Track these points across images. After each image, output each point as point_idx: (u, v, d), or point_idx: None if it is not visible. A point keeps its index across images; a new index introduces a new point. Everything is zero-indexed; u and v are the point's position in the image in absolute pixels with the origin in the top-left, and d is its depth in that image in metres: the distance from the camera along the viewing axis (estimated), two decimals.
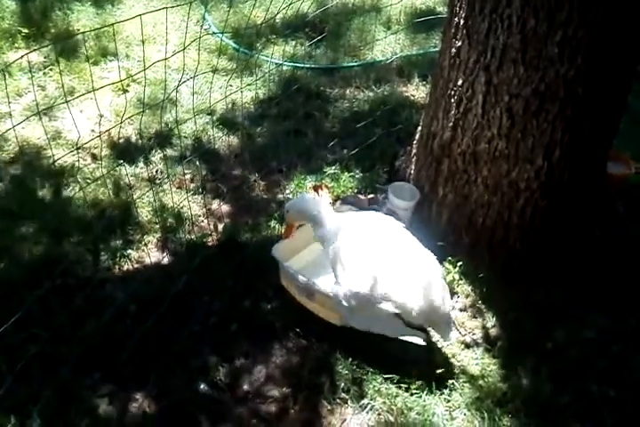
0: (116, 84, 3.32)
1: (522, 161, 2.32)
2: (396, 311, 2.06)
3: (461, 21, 2.23)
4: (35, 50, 3.40)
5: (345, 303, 2.10)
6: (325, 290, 2.18)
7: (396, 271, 2.10)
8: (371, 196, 2.84)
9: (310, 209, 2.26)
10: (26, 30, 3.70)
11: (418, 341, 2.15)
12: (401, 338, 2.15)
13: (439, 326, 2.14)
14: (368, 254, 2.14)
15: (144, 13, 2.01)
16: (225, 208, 2.79)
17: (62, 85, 3.20)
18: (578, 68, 2.09)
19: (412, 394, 2.09)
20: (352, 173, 2.94)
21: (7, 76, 3.33)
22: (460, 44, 2.26)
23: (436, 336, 2.26)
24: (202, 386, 2.10)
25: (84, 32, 3.06)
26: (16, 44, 3.66)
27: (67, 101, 1.97)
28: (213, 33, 3.82)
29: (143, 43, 3.30)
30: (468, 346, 2.28)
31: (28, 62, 3.36)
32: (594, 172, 2.52)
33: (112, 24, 1.92)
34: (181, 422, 2.02)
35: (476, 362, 2.21)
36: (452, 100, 2.38)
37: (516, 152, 2.30)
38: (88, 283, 2.26)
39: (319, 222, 2.24)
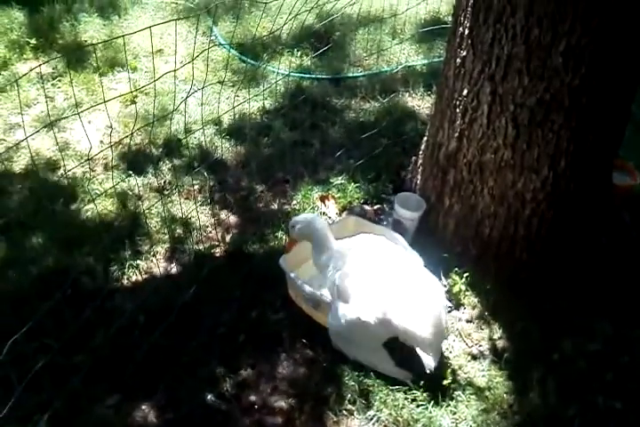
0: (124, 96, 3.35)
1: (527, 171, 2.32)
2: (394, 335, 2.07)
3: (466, 31, 2.25)
4: (46, 62, 3.43)
5: (340, 333, 2.12)
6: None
7: (395, 297, 2.11)
8: (377, 206, 2.85)
9: (316, 232, 2.26)
10: (34, 41, 3.75)
11: (406, 380, 2.15)
12: (388, 374, 2.16)
13: (429, 352, 2.12)
14: (366, 283, 2.14)
15: (154, 25, 2.03)
16: (232, 219, 2.81)
17: (73, 95, 3.23)
18: (582, 78, 2.10)
19: (418, 406, 2.09)
20: (358, 184, 2.95)
21: (16, 88, 3.37)
22: (464, 53, 2.28)
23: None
24: (209, 397, 2.10)
25: (93, 44, 3.09)
26: (24, 55, 3.70)
27: (78, 113, 1.99)
28: (220, 44, 3.85)
29: (153, 54, 3.32)
30: (474, 357, 2.27)
31: (39, 74, 3.39)
32: (599, 181, 2.53)
33: (122, 35, 1.93)
34: None
35: (483, 374, 2.21)
36: (458, 111, 2.39)
37: (522, 162, 2.31)
38: (98, 293, 2.27)
39: (321, 247, 2.25)
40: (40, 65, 2.99)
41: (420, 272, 2.22)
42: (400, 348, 2.10)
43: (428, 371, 2.10)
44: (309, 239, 2.30)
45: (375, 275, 2.16)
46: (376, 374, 2.16)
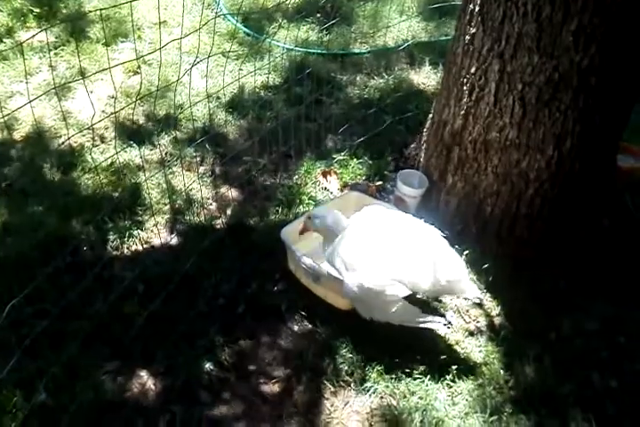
0: (126, 66, 3.32)
1: (533, 150, 2.32)
2: (408, 293, 2.06)
3: (476, 8, 2.22)
4: (46, 28, 3.39)
5: (358, 300, 2.12)
6: (332, 274, 2.19)
7: (399, 253, 2.10)
8: (379, 183, 2.84)
9: (334, 228, 2.23)
10: (37, 10, 3.71)
11: (438, 326, 2.16)
12: (421, 326, 2.15)
13: (458, 289, 2.17)
14: (370, 247, 2.14)
15: None
16: (233, 191, 2.80)
17: (80, 62, 3.20)
18: (592, 58, 2.08)
19: (414, 379, 2.11)
20: (361, 160, 2.94)
21: (18, 56, 3.34)
22: (474, 30, 2.26)
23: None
24: (207, 365, 2.12)
25: (99, 9, 3.06)
26: (27, 24, 3.67)
27: (83, 77, 1.96)
28: (225, 16, 3.81)
29: (160, 24, 3.29)
30: (472, 334, 2.28)
31: (42, 42, 3.36)
32: (604, 163, 2.52)
33: (128, 1, 1.91)
34: (185, 401, 2.03)
35: (480, 350, 2.22)
36: (465, 88, 2.37)
37: (527, 141, 2.30)
38: (97, 262, 2.27)
39: (331, 242, 2.23)
40: (43, 30, 2.97)
41: (414, 222, 2.22)
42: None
43: (477, 300, 2.27)
44: (324, 234, 2.28)
45: (375, 238, 2.16)
46: (373, 348, 2.17)
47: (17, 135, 2.98)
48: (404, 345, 2.17)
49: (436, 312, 2.28)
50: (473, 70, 2.31)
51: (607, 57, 2.11)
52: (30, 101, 1.81)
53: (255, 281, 2.40)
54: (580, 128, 2.26)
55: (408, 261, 2.09)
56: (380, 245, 2.14)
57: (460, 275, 2.14)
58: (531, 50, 2.12)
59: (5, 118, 2.91)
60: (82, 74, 3.01)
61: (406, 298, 2.09)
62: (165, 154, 2.95)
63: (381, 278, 2.07)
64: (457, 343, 2.23)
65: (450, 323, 2.23)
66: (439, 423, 2.00)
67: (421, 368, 2.12)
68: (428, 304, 2.33)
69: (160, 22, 3.44)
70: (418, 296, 2.25)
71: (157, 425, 1.97)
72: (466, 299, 2.34)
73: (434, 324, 2.15)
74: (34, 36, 3.23)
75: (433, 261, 2.10)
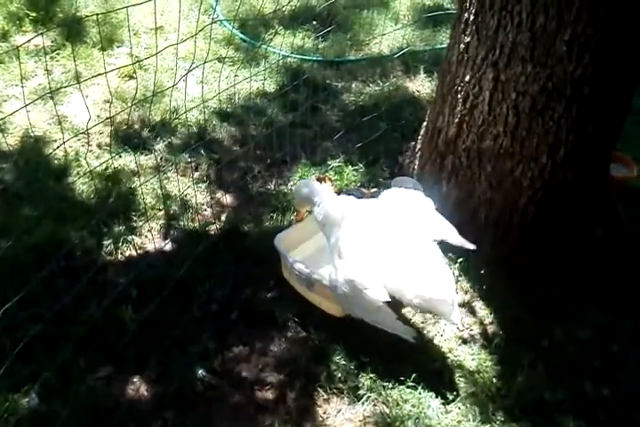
0: (122, 71, 3.32)
1: (526, 159, 2.33)
2: (387, 300, 2.05)
3: (471, 17, 2.24)
4: (42, 33, 3.40)
5: (339, 291, 2.11)
6: (325, 281, 2.19)
7: (392, 259, 2.09)
8: (374, 190, 2.85)
9: (313, 194, 2.29)
10: (34, 14, 3.71)
11: (407, 337, 2.12)
12: (391, 331, 2.13)
13: (441, 311, 2.09)
14: (366, 242, 2.14)
15: None
16: (228, 198, 2.80)
17: (75, 67, 3.20)
18: (585, 67, 2.10)
19: (407, 387, 2.11)
20: (356, 167, 2.95)
21: (14, 59, 3.34)
22: (468, 39, 2.27)
23: (432, 332, 2.28)
24: (200, 371, 2.11)
25: (95, 14, 3.06)
26: (24, 28, 3.67)
27: (78, 82, 1.96)
28: (221, 22, 3.82)
29: (156, 30, 3.29)
30: (465, 341, 2.29)
31: (38, 46, 3.36)
32: (597, 172, 2.54)
33: (125, 7, 1.91)
34: (178, 407, 2.03)
35: (473, 357, 2.22)
36: (459, 96, 2.39)
37: (521, 150, 2.32)
38: (91, 266, 2.27)
39: (321, 208, 2.26)
40: (39, 34, 2.97)
41: (423, 243, 2.19)
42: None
43: (458, 327, 2.19)
44: (310, 203, 2.33)
45: (374, 234, 2.15)
46: (367, 355, 2.17)
47: (12, 139, 2.97)
48: (397, 353, 2.17)
49: (409, 324, 2.24)
50: (467, 79, 2.33)
51: (600, 67, 2.13)
52: (25, 106, 1.82)
53: (249, 287, 2.40)
54: (573, 137, 2.28)
55: (399, 270, 2.08)
56: (378, 246, 2.13)
57: (447, 296, 2.05)
58: (524, 59, 2.14)
59: (0, 122, 2.91)
60: (77, 78, 3.01)
61: (388, 303, 2.07)
62: (160, 159, 2.95)
63: (367, 278, 2.06)
64: (450, 351, 2.24)
65: (415, 338, 2.13)
66: None
67: (414, 376, 2.12)
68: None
69: (156, 28, 3.45)
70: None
71: None
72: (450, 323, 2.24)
73: (404, 335, 2.12)
74: (30, 40, 3.22)
75: (424, 275, 2.07)
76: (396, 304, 2.10)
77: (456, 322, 2.11)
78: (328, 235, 2.22)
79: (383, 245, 2.13)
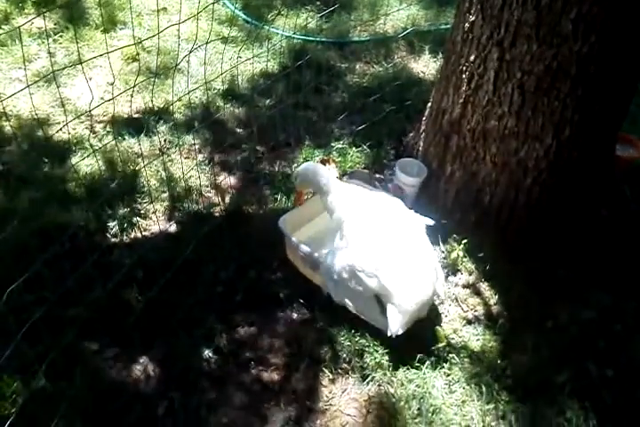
0: (125, 53, 3.31)
1: (531, 139, 2.31)
2: (379, 291, 2.08)
3: None
4: (43, 14, 3.37)
5: (335, 275, 2.12)
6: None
7: (394, 256, 2.11)
8: (378, 173, 2.84)
9: (318, 176, 2.29)
10: None
11: (386, 331, 2.10)
12: (373, 323, 2.17)
13: (397, 314, 2.07)
14: (370, 231, 2.15)
15: None
16: (232, 179, 2.80)
17: (78, 49, 3.18)
18: (591, 46, 2.08)
19: (412, 367, 2.12)
20: (360, 149, 2.94)
21: (16, 42, 3.33)
22: (473, 18, 2.25)
23: (436, 312, 2.29)
24: (206, 352, 2.13)
25: None
26: (26, 10, 3.65)
27: (81, 62, 1.95)
28: (224, 3, 3.79)
29: (158, 11, 3.27)
30: (469, 322, 2.29)
31: (41, 29, 3.34)
32: (602, 152, 2.52)
33: None
34: (184, 388, 2.04)
35: (477, 338, 2.23)
36: (464, 76, 2.37)
37: (526, 130, 2.30)
38: (96, 248, 2.28)
39: (327, 190, 2.26)
40: (40, 15, 2.94)
41: (422, 239, 2.21)
42: None
43: (390, 334, 2.06)
44: (313, 186, 2.33)
45: (381, 231, 2.16)
46: (371, 335, 2.18)
47: (15, 122, 2.97)
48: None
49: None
50: (472, 59, 2.31)
51: (606, 46, 2.10)
52: (28, 86, 1.81)
53: (253, 269, 2.40)
54: (578, 117, 2.26)
55: (399, 272, 2.09)
56: (381, 241, 2.14)
57: (404, 309, 2.06)
58: (530, 38, 2.11)
59: (4, 104, 2.90)
60: (79, 59, 3.00)
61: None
62: (164, 141, 2.95)
63: (368, 269, 2.07)
64: (454, 332, 2.24)
65: (393, 335, 2.08)
66: (436, 411, 2.02)
67: (419, 357, 2.13)
68: None
69: (159, 9, 3.42)
70: None
71: (156, 411, 1.98)
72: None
73: (383, 328, 2.11)
74: (31, 20, 3.21)
75: (418, 287, 2.10)
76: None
77: (391, 330, 2.06)
78: (335, 221, 2.22)
79: (385, 238, 2.14)
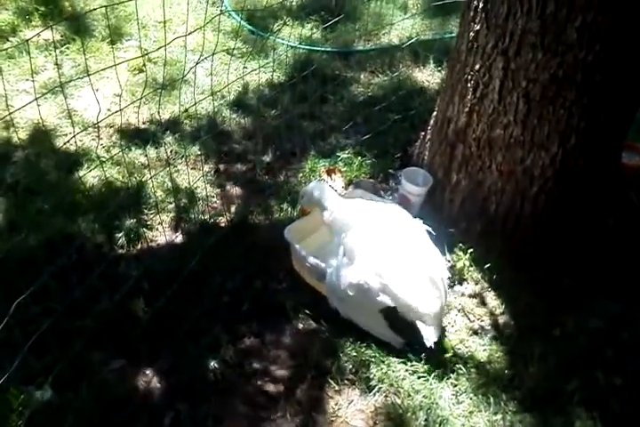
0: (132, 64, 3.33)
1: (537, 148, 2.31)
2: (392, 305, 2.07)
3: (480, 5, 2.22)
4: (51, 26, 3.40)
5: (340, 293, 2.12)
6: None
7: (400, 267, 2.11)
8: (383, 185, 2.84)
9: (320, 197, 2.28)
10: (43, 8, 3.72)
11: (395, 344, 2.17)
12: (381, 338, 2.18)
13: (428, 326, 2.11)
14: (375, 247, 2.14)
15: None
16: (238, 189, 2.80)
17: (85, 61, 3.20)
18: (596, 54, 2.08)
19: (419, 378, 2.11)
20: (365, 158, 2.94)
21: (24, 54, 3.35)
22: (478, 27, 2.25)
23: (443, 323, 2.27)
24: (212, 363, 2.12)
25: (103, 6, 3.07)
26: (33, 22, 3.68)
27: (88, 74, 1.96)
28: (229, 14, 3.81)
29: (164, 22, 3.29)
30: (476, 332, 2.28)
31: (48, 41, 3.37)
32: (608, 160, 2.52)
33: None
34: (190, 399, 2.04)
35: (484, 348, 2.22)
36: (469, 85, 2.37)
37: (532, 139, 2.30)
38: (103, 260, 2.28)
39: (328, 211, 2.26)
40: (47, 27, 2.97)
41: (427, 245, 2.21)
42: (396, 316, 2.11)
43: (429, 346, 2.10)
44: (317, 205, 2.32)
45: (384, 242, 2.16)
46: (378, 346, 2.17)
47: (23, 134, 2.99)
48: (407, 345, 2.17)
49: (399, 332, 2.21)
50: (477, 67, 2.31)
51: (612, 54, 2.10)
52: (36, 99, 1.82)
53: (260, 279, 2.40)
54: (584, 125, 2.26)
55: (407, 280, 2.09)
56: (386, 252, 2.14)
57: (431, 311, 2.10)
58: (535, 47, 2.12)
59: (12, 116, 2.92)
60: (87, 71, 3.02)
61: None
62: (170, 152, 2.96)
63: (376, 283, 2.07)
64: (461, 342, 2.23)
65: (408, 345, 2.16)
66: (444, 422, 2.00)
67: (426, 367, 2.12)
68: None
69: (165, 21, 3.45)
70: None
71: (162, 422, 1.98)
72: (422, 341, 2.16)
73: (392, 342, 2.17)
74: (39, 33, 3.23)
75: (430, 291, 2.10)
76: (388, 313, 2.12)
77: (430, 340, 2.10)
78: (336, 240, 2.22)
79: (393, 256, 2.14)
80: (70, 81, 3.11)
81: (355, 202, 2.32)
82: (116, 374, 2.08)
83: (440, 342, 2.18)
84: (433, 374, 2.11)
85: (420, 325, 2.10)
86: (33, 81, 3.20)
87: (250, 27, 3.74)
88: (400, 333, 2.16)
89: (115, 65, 1.93)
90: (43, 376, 2.00)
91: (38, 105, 2.91)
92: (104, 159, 2.79)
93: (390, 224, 2.23)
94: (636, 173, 2.78)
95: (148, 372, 2.10)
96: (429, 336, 2.10)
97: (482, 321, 2.32)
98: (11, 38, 3.54)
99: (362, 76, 3.48)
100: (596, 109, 2.24)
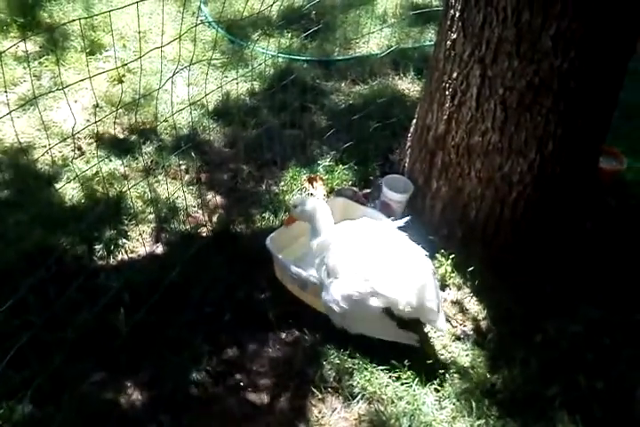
0: (111, 75, 3.32)
1: (515, 154, 2.33)
2: (386, 306, 2.07)
3: (457, 14, 2.24)
4: (25, 39, 3.39)
5: (337, 309, 2.11)
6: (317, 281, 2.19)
7: (384, 268, 2.11)
8: (366, 191, 2.84)
9: (315, 215, 2.25)
10: (21, 20, 3.70)
11: (411, 342, 2.17)
12: (394, 340, 2.17)
13: (429, 319, 2.14)
14: (356, 257, 2.14)
15: (140, 0, 1.99)
16: (219, 199, 2.80)
17: (61, 72, 3.19)
18: (571, 62, 2.10)
19: (402, 384, 2.11)
20: (346, 166, 2.95)
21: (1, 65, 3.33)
22: (455, 36, 2.27)
23: (426, 329, 2.28)
24: (194, 374, 2.11)
25: (80, 18, 3.07)
26: (11, 34, 3.66)
27: (63, 87, 1.96)
28: (209, 24, 3.82)
29: (142, 33, 3.28)
30: (458, 338, 2.29)
31: (26, 52, 3.35)
32: (586, 166, 2.54)
33: (109, 11, 1.91)
34: (172, 410, 2.02)
35: (467, 353, 2.23)
36: (447, 93, 2.39)
37: (510, 145, 2.32)
38: (82, 271, 2.26)
39: (318, 231, 2.25)
40: (23, 39, 2.95)
41: (406, 243, 2.22)
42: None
43: (443, 332, 2.21)
44: (308, 221, 2.29)
45: (363, 251, 2.16)
46: (361, 354, 2.17)
47: (1, 146, 2.96)
48: (391, 351, 2.17)
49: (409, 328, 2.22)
50: (455, 75, 2.33)
51: (587, 61, 2.13)
52: (10, 112, 1.81)
53: (242, 289, 2.39)
54: (561, 131, 2.28)
55: (391, 278, 2.09)
56: (366, 258, 2.14)
57: (434, 305, 2.10)
58: (511, 55, 2.14)
59: None
60: (63, 83, 3.01)
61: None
62: (150, 162, 2.95)
63: (363, 288, 2.07)
64: (444, 348, 2.24)
65: (420, 340, 2.19)
66: None
67: (409, 373, 2.12)
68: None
69: (142, 31, 3.44)
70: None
71: None
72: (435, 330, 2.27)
73: (407, 341, 2.17)
74: (15, 45, 3.21)
75: (415, 283, 2.09)
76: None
77: (442, 328, 2.18)
78: (317, 262, 2.21)
79: (374, 260, 2.13)
80: (48, 93, 3.09)
81: (343, 227, 2.29)
82: (97, 387, 2.06)
83: (423, 348, 2.19)
84: (416, 380, 2.11)
85: (425, 313, 2.11)
86: (7, 93, 3.17)
87: (229, 36, 3.74)
88: (410, 328, 2.16)
89: (90, 77, 1.92)
90: (23, 390, 1.97)
91: (16, 117, 2.92)
92: (82, 171, 2.77)
93: (368, 232, 2.23)
94: (614, 178, 2.81)
95: (129, 384, 2.08)
96: (440, 325, 2.14)
97: (464, 327, 2.33)
98: None
99: (342, 85, 3.49)
100: (572, 116, 2.26)
